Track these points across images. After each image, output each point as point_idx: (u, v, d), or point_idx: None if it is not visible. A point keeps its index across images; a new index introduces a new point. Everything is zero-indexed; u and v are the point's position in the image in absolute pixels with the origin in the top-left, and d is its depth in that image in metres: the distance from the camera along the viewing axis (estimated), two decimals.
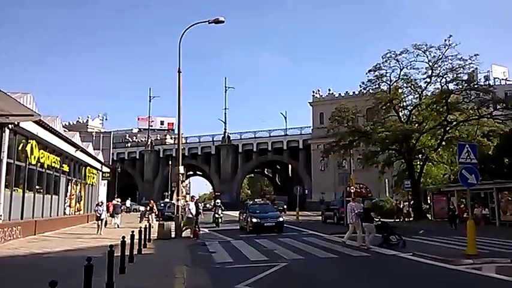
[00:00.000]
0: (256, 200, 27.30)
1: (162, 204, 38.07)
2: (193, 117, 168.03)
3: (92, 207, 27.41)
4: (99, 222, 19.15)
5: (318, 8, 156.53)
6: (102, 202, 21.03)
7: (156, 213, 27.12)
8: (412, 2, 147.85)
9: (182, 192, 20.34)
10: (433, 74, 30.98)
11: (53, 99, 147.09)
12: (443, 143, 31.02)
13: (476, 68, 30.32)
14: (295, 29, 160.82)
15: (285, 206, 47.65)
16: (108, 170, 35.03)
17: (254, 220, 19.56)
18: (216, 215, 25.32)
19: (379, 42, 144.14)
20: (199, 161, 78.62)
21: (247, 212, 21.39)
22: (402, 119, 33.00)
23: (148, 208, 27.29)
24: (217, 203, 27.20)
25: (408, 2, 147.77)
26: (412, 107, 33.74)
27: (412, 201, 32.76)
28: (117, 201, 25.72)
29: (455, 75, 30.08)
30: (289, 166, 78.98)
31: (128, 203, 47.50)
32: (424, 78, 31.74)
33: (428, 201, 34.98)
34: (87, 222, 25.98)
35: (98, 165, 30.82)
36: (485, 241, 14.41)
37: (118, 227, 22.59)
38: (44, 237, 16.70)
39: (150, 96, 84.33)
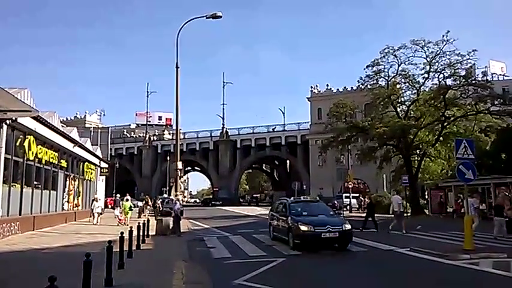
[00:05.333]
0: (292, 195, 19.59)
1: (161, 200, 38.09)
2: (191, 112, 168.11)
3: (90, 203, 27.48)
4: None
5: (317, 6, 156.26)
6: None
7: (151, 206, 28.45)
8: (411, 2, 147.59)
9: (180, 188, 20.45)
10: (431, 69, 31.01)
11: (50, 94, 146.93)
12: (441, 138, 31.09)
13: (474, 64, 30.42)
14: (294, 26, 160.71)
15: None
16: (106, 166, 34.98)
17: (303, 228, 12.16)
18: None
19: (378, 40, 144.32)
20: (198, 157, 78.56)
21: (286, 214, 13.57)
22: (400, 115, 33.04)
23: (144, 202, 29.53)
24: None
25: (406, 2, 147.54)
26: (410, 103, 33.77)
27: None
28: (118, 197, 26.47)
29: (453, 71, 30.12)
30: (288, 161, 79.03)
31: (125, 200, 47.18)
32: (422, 74, 31.81)
33: (426, 197, 35.10)
34: (72, 219, 25.73)
35: (96, 161, 30.78)
36: (482, 236, 14.49)
37: (116, 217, 23.03)
38: (42, 232, 16.70)
39: (148, 92, 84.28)
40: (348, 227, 12.61)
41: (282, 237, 13.61)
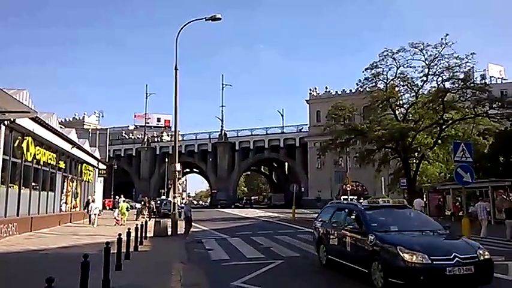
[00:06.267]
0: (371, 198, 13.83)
1: (159, 202, 38.01)
2: (190, 114, 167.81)
3: (85, 205, 27.37)
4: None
5: (317, 6, 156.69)
6: None
7: (150, 207, 29.31)
8: (409, 3, 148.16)
9: (178, 190, 20.48)
10: (430, 72, 31.03)
11: (50, 94, 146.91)
12: (439, 141, 31.10)
13: (473, 67, 30.41)
14: (294, 26, 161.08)
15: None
16: (104, 167, 34.97)
17: (410, 257, 6.78)
18: None
19: (377, 40, 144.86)
20: (196, 159, 78.54)
21: (361, 228, 8.21)
22: (399, 118, 33.07)
23: (142, 204, 29.71)
24: None
25: (406, 2, 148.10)
26: (408, 106, 33.81)
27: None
28: (117, 198, 27.00)
29: (451, 74, 30.14)
30: (286, 164, 79.07)
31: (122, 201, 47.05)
32: (420, 77, 31.81)
33: (424, 199, 35.12)
34: (70, 220, 25.75)
35: (94, 162, 30.74)
36: (480, 239, 14.47)
37: (115, 218, 23.28)
38: (40, 233, 16.66)
39: (146, 93, 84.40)
40: (486, 254, 7.19)
41: (353, 267, 8.28)
